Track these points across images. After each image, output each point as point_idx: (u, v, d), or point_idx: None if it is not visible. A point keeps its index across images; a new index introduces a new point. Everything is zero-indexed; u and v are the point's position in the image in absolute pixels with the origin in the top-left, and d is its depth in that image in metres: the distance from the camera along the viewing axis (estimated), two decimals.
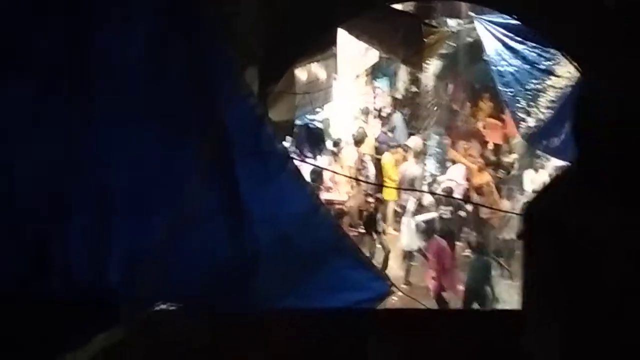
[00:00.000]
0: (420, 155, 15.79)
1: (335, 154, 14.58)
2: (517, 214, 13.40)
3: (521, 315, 1.50)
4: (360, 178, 14.79)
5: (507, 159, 17.19)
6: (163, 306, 3.76)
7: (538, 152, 15.39)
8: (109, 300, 3.41)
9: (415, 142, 16.91)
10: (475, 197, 14.50)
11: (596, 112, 1.35)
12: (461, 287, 12.03)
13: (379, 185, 15.22)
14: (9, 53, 3.17)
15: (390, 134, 17.68)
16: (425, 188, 14.94)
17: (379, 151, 16.48)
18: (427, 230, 12.67)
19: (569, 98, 12.04)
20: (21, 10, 3.20)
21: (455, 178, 15.06)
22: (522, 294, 1.51)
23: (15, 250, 3.31)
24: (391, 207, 15.56)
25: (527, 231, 1.46)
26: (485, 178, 14.89)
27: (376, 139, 16.73)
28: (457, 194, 14.38)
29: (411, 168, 15.05)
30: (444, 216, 13.62)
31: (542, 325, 1.40)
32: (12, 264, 3.32)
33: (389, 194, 15.50)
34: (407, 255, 13.26)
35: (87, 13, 3.35)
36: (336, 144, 14.76)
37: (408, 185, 14.47)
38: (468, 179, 15.23)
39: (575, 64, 7.93)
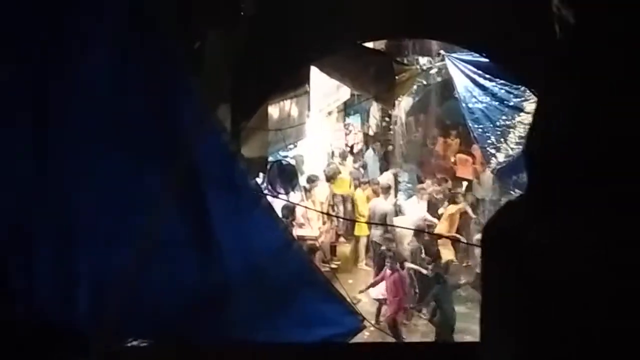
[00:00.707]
0: (391, 191, 15.86)
1: (307, 191, 14.60)
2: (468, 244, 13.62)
3: (480, 347, 1.52)
4: (333, 214, 14.83)
5: (479, 194, 17.30)
6: (134, 342, 3.74)
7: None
8: (79, 332, 3.38)
9: (386, 178, 16.99)
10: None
11: (547, 134, 1.40)
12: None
13: (351, 221, 15.26)
14: None
15: (362, 170, 17.77)
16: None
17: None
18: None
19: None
20: None
21: (421, 214, 15.16)
22: (481, 324, 1.53)
23: None
24: (363, 243, 15.60)
25: (484, 252, 1.49)
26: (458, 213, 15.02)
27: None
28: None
29: (381, 204, 15.09)
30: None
31: (500, 353, 1.43)
32: None
33: (360, 230, 15.54)
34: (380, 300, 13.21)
35: (49, 45, 3.36)
36: (312, 180, 14.78)
37: (379, 221, 14.51)
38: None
39: None
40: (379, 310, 13.10)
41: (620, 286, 1.27)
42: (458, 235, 14.53)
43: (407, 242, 13.85)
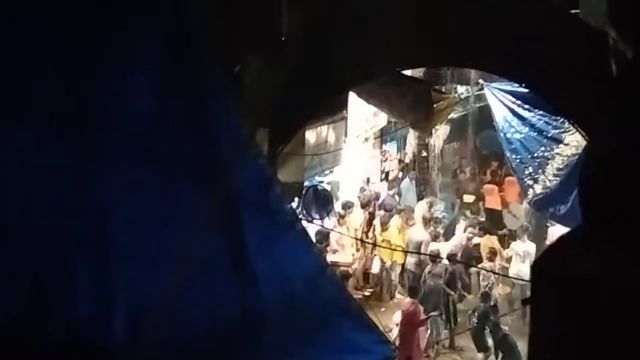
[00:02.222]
0: (427, 220, 15.77)
1: (342, 217, 14.59)
2: (519, 279, 13.47)
3: None
4: (367, 240, 14.80)
5: (509, 224, 17.14)
6: None
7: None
8: (113, 352, 3.38)
9: (422, 206, 16.93)
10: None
11: (601, 173, 1.39)
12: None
13: (384, 247, 15.19)
14: (12, 99, 3.21)
15: (396, 197, 17.71)
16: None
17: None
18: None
19: (577, 165, 12.15)
20: (24, 57, 3.24)
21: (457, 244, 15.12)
22: (529, 357, 1.51)
23: (14, 294, 3.29)
24: (397, 271, 15.50)
25: (535, 285, 1.47)
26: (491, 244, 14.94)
27: (382, 203, 16.75)
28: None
29: (416, 232, 15.04)
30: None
31: None
32: (9, 308, 3.30)
33: (393, 258, 15.44)
34: None
35: (91, 60, 3.39)
36: (348, 206, 14.77)
37: (414, 249, 14.44)
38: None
39: (583, 132, 8.00)
40: None
41: None
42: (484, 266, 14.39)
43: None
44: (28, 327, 3.29)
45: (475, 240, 15.30)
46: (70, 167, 3.35)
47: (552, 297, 1.39)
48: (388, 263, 15.12)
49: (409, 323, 12.01)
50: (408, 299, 12.35)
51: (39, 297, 3.31)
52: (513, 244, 15.30)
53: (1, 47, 3.17)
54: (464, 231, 15.55)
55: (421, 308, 12.36)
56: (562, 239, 1.52)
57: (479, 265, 14.14)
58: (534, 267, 1.54)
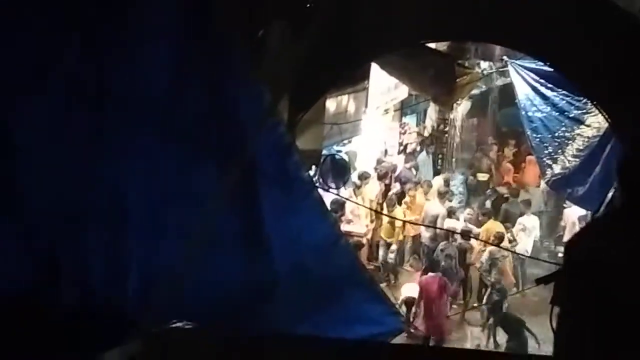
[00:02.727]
0: (443, 195, 15.72)
1: (357, 187, 14.58)
2: (531, 257, 13.47)
3: None
4: (382, 212, 14.80)
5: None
6: (179, 324, 3.75)
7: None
8: (124, 314, 3.40)
9: (438, 181, 16.89)
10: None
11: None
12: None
13: (402, 220, 15.18)
14: (31, 68, 3.20)
15: (413, 171, 17.66)
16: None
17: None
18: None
19: (598, 148, 12.07)
20: (42, 29, 3.22)
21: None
22: (557, 339, 1.51)
23: (27, 257, 3.31)
24: (409, 244, 15.52)
25: (567, 269, 1.47)
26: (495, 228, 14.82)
27: (398, 175, 16.72)
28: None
29: (433, 206, 15.03)
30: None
31: None
32: (23, 271, 3.31)
33: (407, 231, 15.41)
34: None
35: (110, 32, 3.38)
36: (364, 177, 14.75)
37: (430, 223, 14.44)
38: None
39: (606, 114, 7.92)
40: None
41: None
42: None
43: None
44: (42, 294, 3.31)
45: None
46: (86, 138, 3.34)
47: (583, 281, 1.39)
48: (393, 247, 15.09)
49: (440, 295, 12.08)
50: (431, 273, 12.36)
51: (53, 263, 3.33)
52: (520, 219, 15.25)
53: (20, 16, 3.16)
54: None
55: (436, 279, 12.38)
56: (592, 224, 1.52)
57: (496, 243, 14.00)
58: (565, 251, 1.53)
